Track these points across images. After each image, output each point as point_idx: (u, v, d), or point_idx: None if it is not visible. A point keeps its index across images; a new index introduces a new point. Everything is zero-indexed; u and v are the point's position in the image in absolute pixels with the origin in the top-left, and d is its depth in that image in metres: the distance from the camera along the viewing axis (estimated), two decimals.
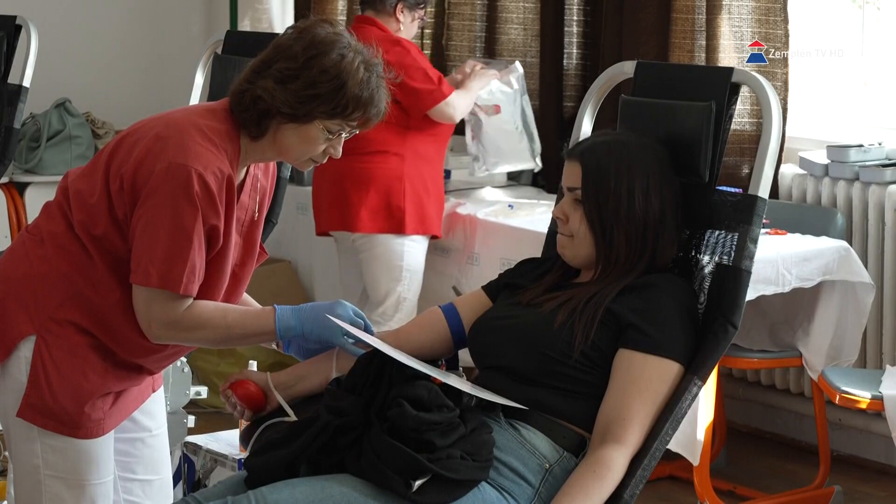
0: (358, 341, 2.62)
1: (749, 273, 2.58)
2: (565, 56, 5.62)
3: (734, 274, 2.59)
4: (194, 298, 2.62)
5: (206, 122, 2.62)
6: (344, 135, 2.67)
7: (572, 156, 2.70)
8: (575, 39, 5.61)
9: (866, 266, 4.58)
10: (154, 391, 2.93)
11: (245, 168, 2.73)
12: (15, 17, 4.75)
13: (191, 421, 4.07)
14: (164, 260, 2.56)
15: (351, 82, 2.59)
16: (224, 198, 2.60)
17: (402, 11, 4.98)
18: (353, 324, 2.64)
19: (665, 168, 2.66)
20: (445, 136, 5.01)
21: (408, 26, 5.01)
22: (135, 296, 2.61)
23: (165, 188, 2.55)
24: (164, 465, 2.97)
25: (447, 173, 5.35)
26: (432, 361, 2.65)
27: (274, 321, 2.64)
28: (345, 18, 6.38)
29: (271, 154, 2.70)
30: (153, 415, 2.93)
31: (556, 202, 2.80)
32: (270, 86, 2.60)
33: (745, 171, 4.95)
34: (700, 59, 4.97)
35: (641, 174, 2.64)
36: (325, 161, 2.71)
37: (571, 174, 2.68)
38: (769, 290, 4.32)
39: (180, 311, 2.59)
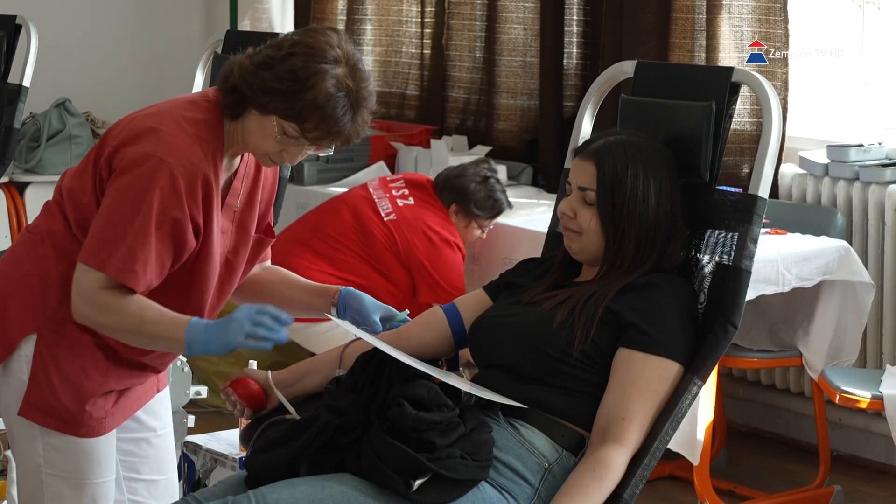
0: (358, 340, 2.63)
1: (749, 273, 2.58)
2: (565, 56, 5.62)
3: (734, 273, 2.59)
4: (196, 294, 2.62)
5: (185, 114, 2.62)
6: (308, 149, 2.64)
7: (584, 154, 2.68)
8: (575, 39, 5.61)
9: (866, 266, 4.58)
10: (159, 391, 2.93)
11: (240, 156, 2.72)
12: (15, 17, 4.76)
13: (191, 421, 4.07)
14: (104, 241, 2.55)
15: (312, 92, 2.55)
16: (200, 192, 2.58)
17: (455, 213, 4.86)
18: (253, 322, 2.53)
19: (674, 170, 2.66)
20: None
21: (458, 231, 4.88)
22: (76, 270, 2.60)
23: (128, 175, 2.55)
24: (169, 466, 2.97)
25: None
26: (433, 361, 2.65)
27: (184, 331, 2.55)
28: (344, 18, 6.39)
29: (241, 140, 2.67)
30: (158, 415, 2.92)
31: (559, 197, 2.79)
32: (247, 65, 2.60)
33: (745, 170, 4.95)
34: (700, 59, 4.97)
35: (655, 177, 2.63)
36: (282, 163, 2.68)
37: (584, 173, 2.67)
38: (769, 290, 4.32)
39: (103, 290, 2.55)
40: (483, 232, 4.91)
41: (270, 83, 2.57)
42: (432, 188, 4.90)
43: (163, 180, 2.53)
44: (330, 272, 4.71)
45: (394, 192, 4.85)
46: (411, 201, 4.84)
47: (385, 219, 4.77)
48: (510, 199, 5.23)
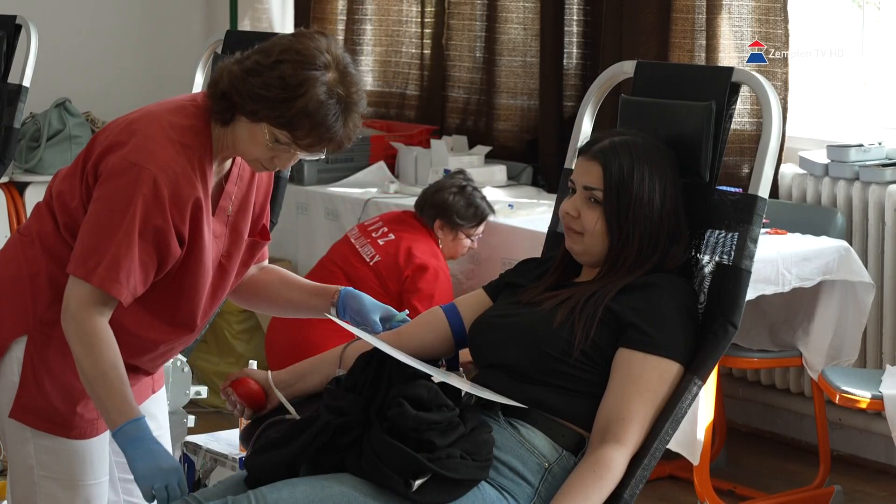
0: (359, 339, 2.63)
1: (749, 273, 2.58)
2: (565, 56, 5.62)
3: (734, 273, 2.59)
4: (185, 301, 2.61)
5: (171, 119, 2.60)
6: (301, 155, 2.62)
7: (590, 154, 2.67)
8: (575, 39, 5.61)
9: (866, 266, 4.58)
10: (154, 392, 2.92)
11: (231, 158, 2.71)
12: (15, 17, 4.75)
13: (191, 421, 4.07)
14: (90, 252, 2.54)
15: (303, 99, 2.53)
16: (183, 200, 2.57)
17: (441, 228, 4.88)
18: (166, 485, 2.51)
19: (676, 171, 2.66)
20: None
21: (447, 244, 4.90)
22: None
23: (111, 183, 2.55)
24: None
25: (445, 172, 5.36)
26: (433, 361, 2.65)
27: (122, 423, 2.53)
28: (344, 18, 6.39)
29: (231, 146, 2.66)
30: (153, 416, 2.90)
31: (561, 197, 2.79)
32: (236, 71, 2.58)
33: (745, 170, 4.95)
34: (700, 59, 4.98)
35: (660, 178, 2.63)
36: (273, 169, 2.67)
37: (589, 173, 2.66)
38: (769, 290, 4.32)
39: (90, 309, 2.55)
40: (472, 241, 4.92)
41: (260, 91, 2.54)
42: (413, 217, 4.91)
43: (145, 189, 2.52)
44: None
45: (373, 235, 4.87)
46: (392, 237, 4.84)
47: (371, 263, 4.79)
48: (510, 199, 5.24)
